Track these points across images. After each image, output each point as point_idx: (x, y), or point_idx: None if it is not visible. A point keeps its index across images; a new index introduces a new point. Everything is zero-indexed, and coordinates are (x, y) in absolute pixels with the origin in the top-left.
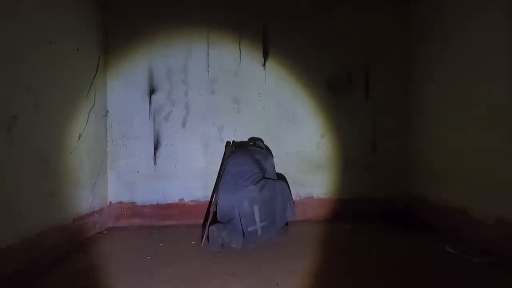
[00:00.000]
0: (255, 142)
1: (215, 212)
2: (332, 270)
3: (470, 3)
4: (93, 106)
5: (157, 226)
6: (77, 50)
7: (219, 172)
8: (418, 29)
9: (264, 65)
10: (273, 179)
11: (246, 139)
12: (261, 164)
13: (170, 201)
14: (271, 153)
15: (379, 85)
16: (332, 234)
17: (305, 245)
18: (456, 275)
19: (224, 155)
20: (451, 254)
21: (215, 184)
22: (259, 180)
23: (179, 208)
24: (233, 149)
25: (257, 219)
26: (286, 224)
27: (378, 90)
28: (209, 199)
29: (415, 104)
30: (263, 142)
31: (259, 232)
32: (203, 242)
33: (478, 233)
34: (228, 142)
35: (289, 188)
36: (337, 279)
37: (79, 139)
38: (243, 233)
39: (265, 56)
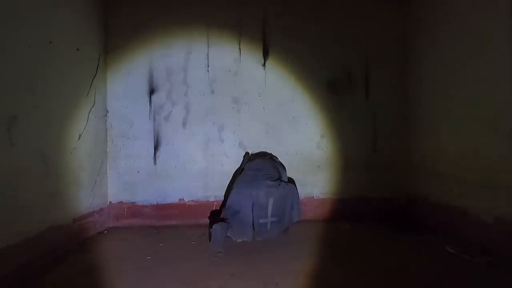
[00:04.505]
0: (271, 155)
1: (219, 211)
2: (332, 270)
3: (470, 2)
4: (93, 106)
5: (157, 226)
6: (77, 50)
7: (232, 177)
8: (418, 29)
9: (264, 65)
10: (286, 182)
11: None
12: (279, 170)
13: (170, 201)
14: (285, 168)
15: (379, 85)
16: (332, 234)
17: (305, 245)
18: (456, 275)
19: (241, 163)
20: (451, 254)
21: (227, 188)
22: (277, 179)
23: (179, 208)
24: (251, 157)
25: (269, 212)
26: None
27: (378, 90)
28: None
29: (415, 104)
30: (277, 158)
31: (268, 227)
32: (211, 239)
33: (478, 232)
34: (247, 153)
35: (297, 191)
36: (337, 279)
37: (79, 139)
38: (253, 225)
39: (265, 56)
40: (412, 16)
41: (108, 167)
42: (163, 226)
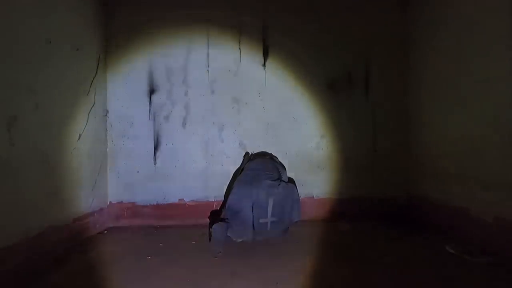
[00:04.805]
0: (271, 155)
1: (219, 211)
2: (331, 270)
3: (470, 3)
4: (93, 106)
5: (157, 226)
6: (77, 50)
7: (233, 177)
8: (418, 29)
9: (264, 65)
10: (286, 182)
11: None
12: (279, 170)
13: (170, 201)
14: (285, 169)
15: (379, 85)
16: (331, 234)
17: (305, 245)
18: (456, 275)
19: (241, 163)
20: (451, 254)
21: (227, 188)
22: (277, 179)
23: (179, 208)
24: (251, 157)
25: (269, 212)
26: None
27: (378, 90)
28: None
29: (415, 104)
30: (277, 158)
31: (268, 227)
32: (211, 239)
33: (478, 232)
34: (247, 153)
35: (297, 191)
36: (336, 279)
37: (79, 139)
38: (253, 225)
39: (265, 56)
40: (412, 16)
41: (108, 167)
42: (163, 226)
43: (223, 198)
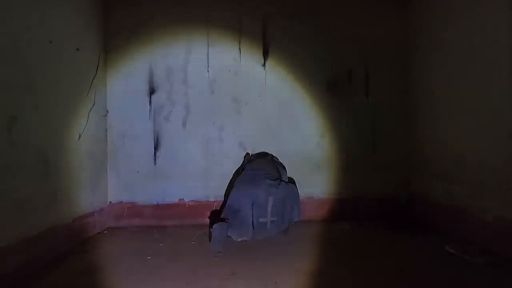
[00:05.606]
0: (272, 156)
1: (219, 210)
2: (332, 270)
3: (470, 3)
4: (93, 106)
5: (157, 226)
6: (77, 50)
7: (233, 177)
8: (418, 29)
9: (264, 65)
10: (286, 182)
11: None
12: (279, 170)
13: (170, 201)
14: (285, 169)
15: (379, 85)
16: (331, 234)
17: (305, 244)
18: (456, 275)
19: (242, 163)
20: (451, 254)
21: (227, 187)
22: (277, 179)
23: (179, 208)
24: (252, 158)
25: (269, 211)
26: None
27: (378, 90)
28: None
29: (415, 104)
30: (277, 158)
31: (268, 226)
32: (211, 239)
33: (478, 232)
34: (247, 153)
35: (297, 191)
36: (337, 279)
37: (79, 139)
38: (253, 224)
39: (265, 56)
40: (412, 17)
41: (108, 167)
42: (163, 226)
43: (223, 198)
